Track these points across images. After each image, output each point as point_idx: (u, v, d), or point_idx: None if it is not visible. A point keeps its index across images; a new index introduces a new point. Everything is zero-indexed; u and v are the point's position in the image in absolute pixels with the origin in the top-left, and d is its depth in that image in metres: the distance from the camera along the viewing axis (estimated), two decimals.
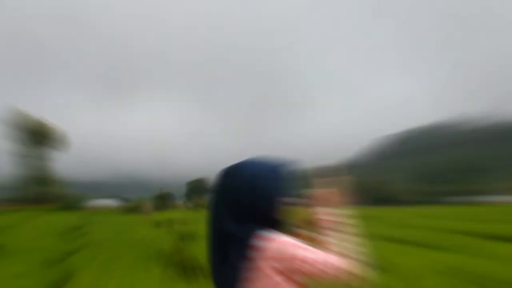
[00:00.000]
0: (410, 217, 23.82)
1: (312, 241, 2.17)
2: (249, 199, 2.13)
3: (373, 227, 20.86)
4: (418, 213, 28.07)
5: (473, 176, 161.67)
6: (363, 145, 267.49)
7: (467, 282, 8.13)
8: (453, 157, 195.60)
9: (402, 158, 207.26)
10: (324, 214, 2.26)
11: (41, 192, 55.92)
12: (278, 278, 2.05)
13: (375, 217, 26.27)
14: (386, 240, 15.04)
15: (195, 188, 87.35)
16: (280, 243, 2.07)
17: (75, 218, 31.25)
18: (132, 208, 44.16)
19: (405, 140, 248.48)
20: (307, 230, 2.33)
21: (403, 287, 7.02)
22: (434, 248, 12.35)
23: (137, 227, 23.20)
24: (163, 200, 55.72)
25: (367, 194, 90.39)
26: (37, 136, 55.71)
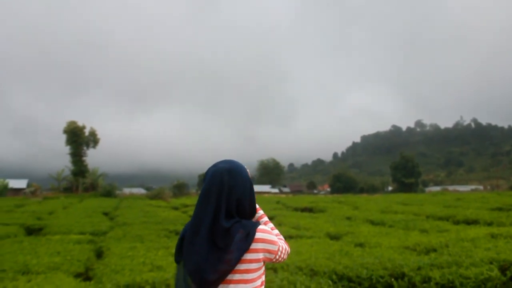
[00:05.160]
0: (392, 204, 23.51)
1: None
2: (248, 197, 2.04)
3: (356, 212, 20.67)
4: (399, 200, 27.73)
5: (447, 169, 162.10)
6: (345, 144, 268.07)
7: (420, 252, 8.00)
8: (429, 153, 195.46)
9: (382, 155, 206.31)
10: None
11: (83, 183, 56.16)
12: (262, 261, 2.01)
13: (360, 203, 25.89)
14: (369, 223, 14.89)
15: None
16: (266, 231, 2.02)
17: (110, 203, 31.08)
18: (155, 195, 44.04)
19: (382, 139, 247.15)
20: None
21: (370, 257, 6.83)
22: (408, 230, 12.20)
23: (159, 210, 23.03)
24: (179, 188, 55.81)
25: (352, 184, 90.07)
26: (79, 138, 55.91)
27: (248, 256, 1.94)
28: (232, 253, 1.90)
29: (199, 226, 1.96)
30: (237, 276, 1.92)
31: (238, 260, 1.90)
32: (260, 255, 1.98)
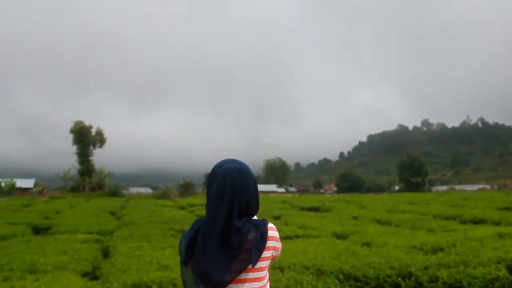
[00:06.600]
0: (398, 203, 23.41)
1: None
2: (255, 196, 2.03)
3: (363, 211, 20.62)
4: (405, 200, 27.59)
5: (454, 169, 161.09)
6: (351, 143, 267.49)
7: (427, 252, 7.97)
8: (436, 152, 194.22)
9: (388, 154, 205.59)
10: None
11: (89, 182, 56.36)
12: (270, 258, 2.03)
13: (366, 203, 25.78)
14: (375, 222, 14.86)
15: None
16: (274, 229, 2.04)
17: (116, 202, 31.16)
18: (161, 195, 44.13)
19: (389, 138, 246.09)
20: None
21: (377, 256, 6.81)
22: (415, 229, 12.18)
23: (165, 209, 23.06)
24: (185, 188, 55.83)
25: (359, 184, 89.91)
26: (86, 137, 56.15)
27: (262, 254, 1.95)
28: (247, 252, 1.90)
29: (211, 227, 1.93)
30: (251, 275, 1.92)
31: (258, 259, 1.91)
32: (270, 253, 2.00)
